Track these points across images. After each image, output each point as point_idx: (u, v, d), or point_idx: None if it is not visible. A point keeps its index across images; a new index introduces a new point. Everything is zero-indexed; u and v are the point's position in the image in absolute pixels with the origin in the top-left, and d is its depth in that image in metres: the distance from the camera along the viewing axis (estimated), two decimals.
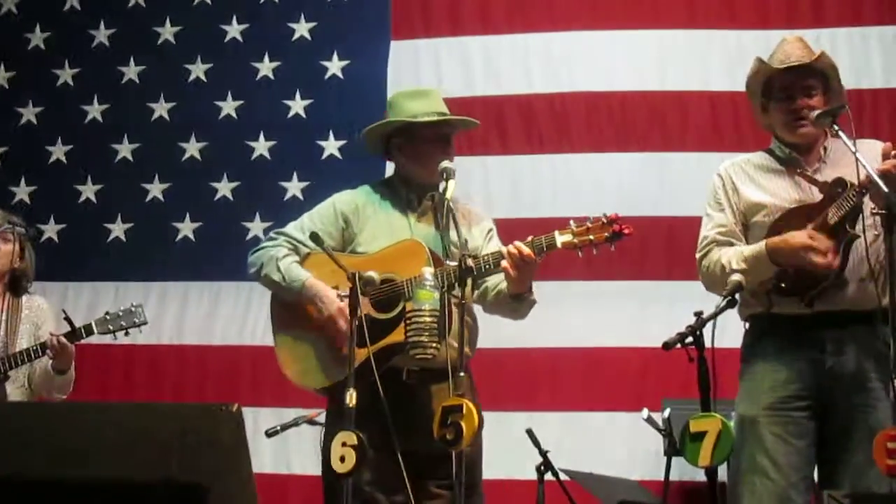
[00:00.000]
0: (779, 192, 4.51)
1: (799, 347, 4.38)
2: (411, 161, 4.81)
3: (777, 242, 4.33)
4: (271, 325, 4.80)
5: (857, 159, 4.13)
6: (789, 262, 4.30)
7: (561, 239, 4.39)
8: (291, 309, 4.71)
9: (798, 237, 4.29)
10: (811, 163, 4.53)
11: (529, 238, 4.43)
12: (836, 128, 4.29)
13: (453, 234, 4.41)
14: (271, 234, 4.89)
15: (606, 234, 4.36)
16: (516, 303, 4.63)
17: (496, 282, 4.70)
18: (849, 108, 4.35)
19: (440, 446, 3.96)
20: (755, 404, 4.41)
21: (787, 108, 4.48)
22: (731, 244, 4.49)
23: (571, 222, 4.39)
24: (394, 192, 4.87)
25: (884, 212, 4.04)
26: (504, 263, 4.40)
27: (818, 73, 4.52)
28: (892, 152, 4.15)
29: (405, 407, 4.42)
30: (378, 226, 4.77)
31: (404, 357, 4.37)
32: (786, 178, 4.53)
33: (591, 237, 4.37)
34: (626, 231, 4.35)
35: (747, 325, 4.59)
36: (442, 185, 4.47)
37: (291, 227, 4.83)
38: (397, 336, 4.40)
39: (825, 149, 4.53)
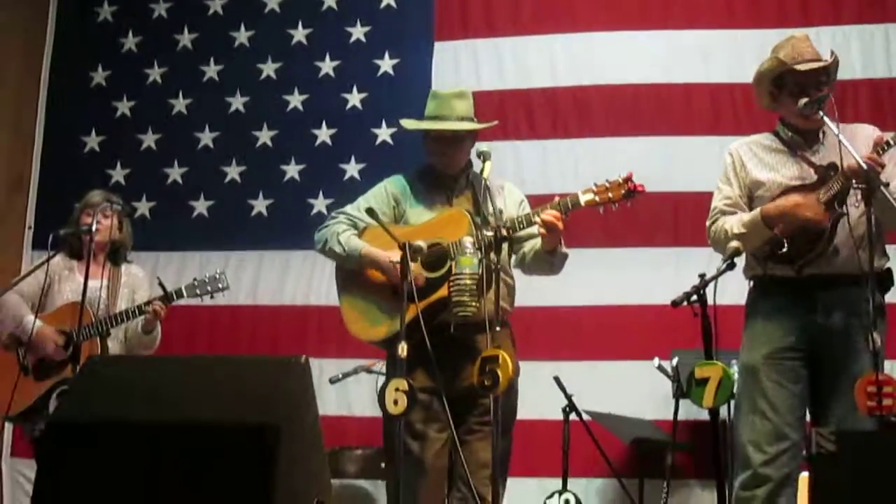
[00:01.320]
0: (781, 170, 4.49)
1: (794, 306, 4.39)
2: (426, 153, 4.93)
3: (769, 208, 4.34)
4: (337, 290, 4.87)
5: (839, 142, 4.13)
6: (781, 222, 4.29)
7: (584, 198, 4.52)
8: (353, 276, 4.79)
9: (788, 199, 4.31)
10: (811, 145, 4.51)
11: (556, 199, 4.51)
12: (821, 114, 4.27)
13: (490, 207, 4.45)
14: (332, 214, 4.97)
15: (623, 191, 4.47)
16: (552, 257, 4.69)
17: (531, 245, 4.76)
18: (832, 97, 4.33)
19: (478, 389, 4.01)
20: (756, 354, 4.42)
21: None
22: (736, 213, 4.49)
23: (593, 183, 4.49)
24: (431, 175, 4.93)
25: (863, 186, 4.03)
26: (539, 230, 4.51)
27: (828, 70, 4.49)
28: (883, 142, 4.16)
29: (451, 355, 4.47)
30: (423, 203, 4.85)
31: (450, 313, 4.40)
32: (788, 158, 4.51)
33: (611, 195, 4.47)
34: (640, 188, 4.45)
35: (751, 283, 4.59)
36: (479, 166, 4.52)
37: (349, 207, 4.93)
38: (443, 292, 4.46)
39: (823, 133, 4.50)
